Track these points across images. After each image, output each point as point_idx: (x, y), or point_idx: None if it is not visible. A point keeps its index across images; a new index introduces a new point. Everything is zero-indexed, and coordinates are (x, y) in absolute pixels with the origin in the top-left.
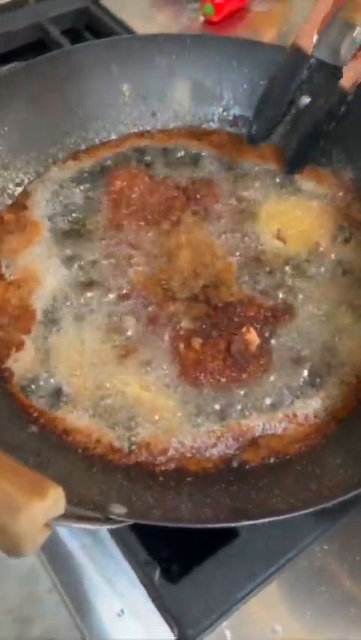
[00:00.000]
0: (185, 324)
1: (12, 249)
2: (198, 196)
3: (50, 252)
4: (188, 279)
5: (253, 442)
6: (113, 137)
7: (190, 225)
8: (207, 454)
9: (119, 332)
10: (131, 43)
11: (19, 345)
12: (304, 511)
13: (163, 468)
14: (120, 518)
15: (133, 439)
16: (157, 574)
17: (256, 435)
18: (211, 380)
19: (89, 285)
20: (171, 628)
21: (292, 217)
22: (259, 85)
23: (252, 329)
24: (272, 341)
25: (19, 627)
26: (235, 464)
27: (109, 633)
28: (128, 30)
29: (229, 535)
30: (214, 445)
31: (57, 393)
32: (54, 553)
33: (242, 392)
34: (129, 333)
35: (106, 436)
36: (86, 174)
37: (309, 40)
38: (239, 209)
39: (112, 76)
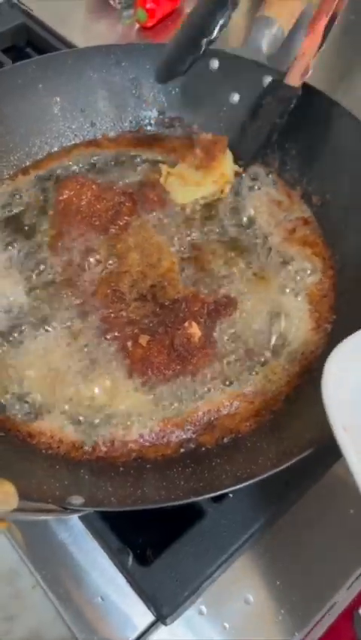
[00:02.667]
0: (134, 323)
1: None
2: (144, 200)
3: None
4: (136, 280)
5: (209, 425)
6: (56, 149)
7: (136, 228)
8: (165, 441)
9: (72, 335)
10: (64, 59)
11: None
12: (246, 483)
13: (124, 460)
14: (78, 508)
15: (94, 435)
16: (130, 559)
17: (211, 418)
18: (158, 374)
19: (42, 288)
20: (149, 608)
21: None
22: (189, 86)
23: (194, 323)
24: (215, 333)
25: (5, 625)
26: (192, 446)
27: (92, 620)
28: (67, 43)
29: (196, 517)
30: (172, 432)
31: (18, 400)
32: (35, 551)
33: (191, 381)
34: (81, 335)
35: (68, 436)
36: (37, 186)
37: None
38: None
39: (47, 92)
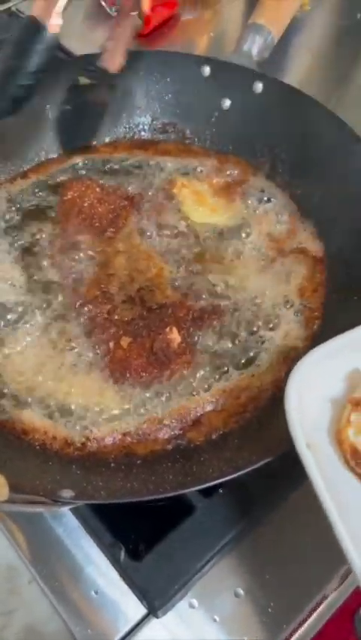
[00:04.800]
0: (119, 324)
1: None
2: (144, 205)
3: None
4: (124, 283)
5: (196, 422)
6: (53, 155)
7: (130, 233)
8: (153, 438)
9: (60, 334)
10: (58, 66)
11: None
12: (232, 476)
13: (114, 455)
14: (67, 500)
15: (85, 433)
16: (122, 554)
17: (198, 414)
18: (136, 376)
19: (32, 284)
20: (140, 601)
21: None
22: (181, 92)
23: (174, 329)
24: (197, 339)
25: (2, 620)
26: (180, 442)
27: (86, 613)
28: (64, 51)
29: (186, 512)
30: (159, 430)
31: (11, 398)
32: (31, 547)
33: (172, 382)
34: (68, 333)
35: (61, 433)
36: (37, 188)
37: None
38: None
39: (39, 101)
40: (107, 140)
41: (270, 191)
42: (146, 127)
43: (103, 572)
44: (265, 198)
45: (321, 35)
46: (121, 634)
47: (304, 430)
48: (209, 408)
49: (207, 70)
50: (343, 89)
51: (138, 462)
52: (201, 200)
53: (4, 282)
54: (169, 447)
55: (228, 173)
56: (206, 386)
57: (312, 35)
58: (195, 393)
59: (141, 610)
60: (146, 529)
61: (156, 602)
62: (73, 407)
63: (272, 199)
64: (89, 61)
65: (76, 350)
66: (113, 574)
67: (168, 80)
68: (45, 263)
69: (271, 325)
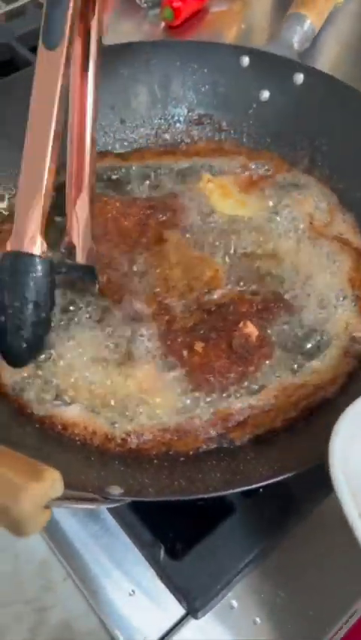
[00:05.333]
0: (184, 332)
1: None
2: (170, 212)
3: None
4: (183, 292)
5: (241, 422)
6: None
7: (171, 242)
8: (194, 435)
9: (121, 345)
10: None
11: None
12: (283, 476)
13: (155, 452)
14: (117, 497)
15: (125, 428)
16: (162, 553)
17: (247, 414)
18: (221, 378)
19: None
20: (180, 602)
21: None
22: (218, 83)
23: (249, 322)
24: (269, 330)
25: (38, 616)
26: (224, 441)
27: (123, 613)
28: None
29: (226, 512)
30: (201, 427)
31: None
32: (66, 544)
33: (251, 380)
34: (133, 347)
35: (102, 428)
36: None
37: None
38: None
39: None
40: (141, 130)
41: (307, 184)
42: (181, 118)
43: (140, 571)
44: (301, 189)
45: (352, 29)
46: (159, 634)
47: (351, 487)
48: (258, 405)
49: (246, 60)
50: None
51: (182, 459)
52: (229, 194)
53: None
54: (213, 445)
55: (260, 168)
56: (262, 384)
57: (343, 29)
58: (247, 395)
59: (178, 610)
60: (184, 529)
61: (197, 602)
62: (113, 403)
63: (310, 189)
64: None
65: (137, 360)
66: (149, 573)
67: (206, 70)
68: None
69: (328, 315)
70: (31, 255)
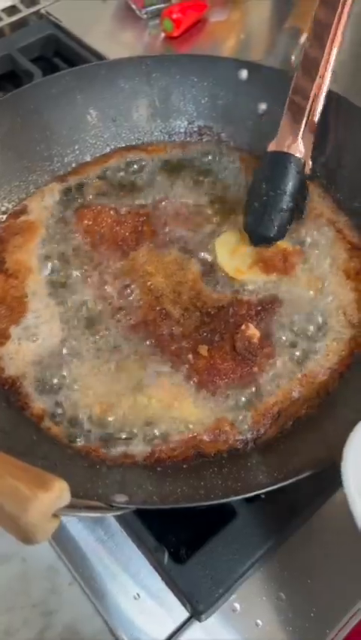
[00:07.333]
0: (188, 336)
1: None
2: (162, 220)
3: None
4: (175, 297)
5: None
6: (88, 158)
7: (156, 249)
8: (195, 443)
9: (125, 352)
10: (97, 69)
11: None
12: (283, 484)
13: (155, 459)
14: (123, 505)
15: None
16: (166, 557)
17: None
18: (227, 379)
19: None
20: (184, 605)
21: None
22: (218, 96)
23: (250, 324)
24: (269, 330)
25: (45, 619)
26: (223, 450)
27: (128, 616)
28: (94, 53)
29: (228, 516)
30: (200, 435)
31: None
32: (72, 549)
33: (256, 380)
34: (136, 355)
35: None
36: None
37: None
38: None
39: (81, 103)
40: (144, 140)
41: None
42: (181, 130)
43: (144, 575)
44: None
45: (349, 41)
46: (163, 636)
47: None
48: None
49: (244, 73)
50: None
51: (184, 466)
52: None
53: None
54: (212, 452)
55: None
56: (283, 381)
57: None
58: (269, 394)
59: (182, 613)
60: (188, 533)
61: (200, 605)
62: (110, 418)
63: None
64: None
65: (143, 368)
66: (154, 577)
67: (205, 83)
68: (87, 298)
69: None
70: (289, 154)
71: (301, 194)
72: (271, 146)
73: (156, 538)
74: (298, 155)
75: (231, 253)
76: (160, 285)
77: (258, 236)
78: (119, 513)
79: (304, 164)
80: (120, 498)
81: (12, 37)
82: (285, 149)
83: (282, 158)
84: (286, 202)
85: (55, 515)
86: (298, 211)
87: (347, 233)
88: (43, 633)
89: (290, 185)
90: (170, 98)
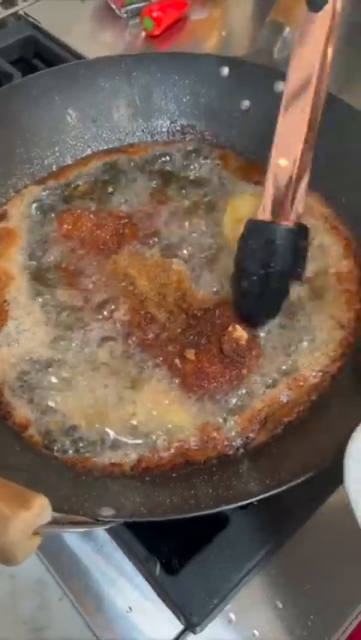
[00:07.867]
0: (175, 339)
1: None
2: (142, 222)
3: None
4: (160, 300)
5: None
6: (69, 161)
7: (139, 251)
8: (183, 450)
9: (111, 357)
10: (76, 69)
11: None
12: (276, 491)
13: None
14: (109, 519)
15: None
16: (158, 568)
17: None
18: (215, 383)
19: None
20: (178, 617)
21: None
22: (200, 94)
23: (237, 326)
24: (255, 332)
25: (35, 636)
26: (212, 457)
27: (120, 631)
28: (74, 54)
29: (221, 523)
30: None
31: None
32: (61, 563)
33: (245, 384)
34: (121, 360)
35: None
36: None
37: None
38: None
39: (59, 103)
40: (127, 141)
41: None
42: (164, 130)
43: (136, 587)
44: None
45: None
46: None
47: None
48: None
49: (225, 70)
50: (354, 88)
51: (173, 475)
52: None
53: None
54: (202, 459)
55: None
56: (271, 383)
57: None
58: (257, 396)
59: (177, 626)
60: (179, 542)
61: (194, 617)
62: (96, 426)
63: None
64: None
65: (129, 373)
66: (146, 589)
67: (186, 81)
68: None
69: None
70: (276, 224)
71: (298, 264)
72: (258, 215)
73: (147, 548)
74: (290, 224)
75: (236, 222)
76: (144, 289)
77: (252, 320)
78: (106, 527)
79: (306, 231)
80: (107, 512)
81: None
82: (271, 218)
83: (269, 230)
84: (280, 281)
85: (36, 533)
86: (295, 275)
87: (341, 228)
88: None
89: (282, 261)
90: (151, 97)
